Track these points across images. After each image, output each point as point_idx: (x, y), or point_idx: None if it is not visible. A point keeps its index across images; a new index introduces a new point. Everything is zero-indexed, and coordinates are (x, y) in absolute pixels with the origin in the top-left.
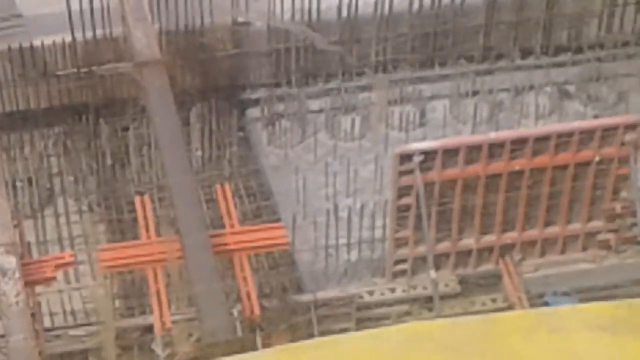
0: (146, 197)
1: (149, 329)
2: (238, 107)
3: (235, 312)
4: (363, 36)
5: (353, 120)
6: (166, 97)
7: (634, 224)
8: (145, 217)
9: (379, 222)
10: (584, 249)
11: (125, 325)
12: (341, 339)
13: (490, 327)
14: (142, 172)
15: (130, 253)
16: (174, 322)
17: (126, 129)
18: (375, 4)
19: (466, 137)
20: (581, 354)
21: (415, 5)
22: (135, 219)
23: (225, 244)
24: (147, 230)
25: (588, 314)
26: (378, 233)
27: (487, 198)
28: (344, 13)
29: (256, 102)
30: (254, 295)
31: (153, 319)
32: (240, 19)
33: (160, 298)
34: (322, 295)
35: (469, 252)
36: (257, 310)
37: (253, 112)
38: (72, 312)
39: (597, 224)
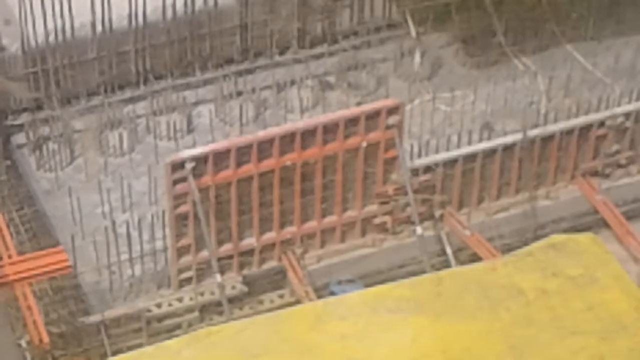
0: None
1: None
2: (2, 134)
3: (23, 342)
4: (121, 49)
5: (120, 135)
6: None
7: (407, 204)
8: None
9: (159, 234)
10: (363, 234)
11: None
12: (133, 356)
13: (279, 324)
14: None
15: None
16: None
17: None
18: (129, 16)
19: (235, 139)
20: (370, 337)
21: (169, 13)
22: None
23: (5, 276)
24: None
25: (373, 298)
26: (159, 244)
27: (263, 196)
28: (99, 29)
29: (20, 127)
30: (40, 323)
31: None
32: None
33: None
34: (110, 314)
35: (251, 252)
36: (45, 338)
37: (18, 139)
38: None
39: (372, 208)
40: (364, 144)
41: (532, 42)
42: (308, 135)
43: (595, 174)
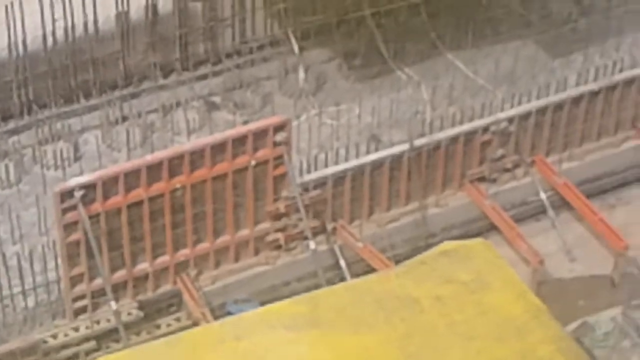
0: None
1: None
2: None
3: None
4: (2, 80)
5: (7, 166)
6: None
7: (299, 220)
8: None
9: (51, 264)
10: (257, 252)
11: None
12: None
13: (177, 347)
14: None
15: None
16: None
17: None
18: (9, 46)
19: (123, 164)
20: (269, 354)
21: (50, 41)
22: None
23: None
24: None
25: (270, 315)
26: (52, 275)
27: (155, 220)
28: None
29: None
30: None
31: None
32: None
33: None
34: (5, 347)
35: (146, 277)
36: None
37: None
38: None
39: (264, 226)
40: (253, 163)
41: (413, 52)
42: (196, 156)
43: (482, 179)
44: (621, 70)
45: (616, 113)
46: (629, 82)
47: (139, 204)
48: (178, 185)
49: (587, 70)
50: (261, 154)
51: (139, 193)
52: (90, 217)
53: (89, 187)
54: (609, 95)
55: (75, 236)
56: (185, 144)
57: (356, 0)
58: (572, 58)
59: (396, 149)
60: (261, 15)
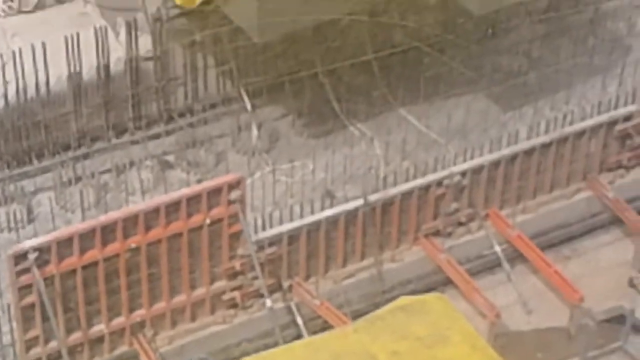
0: None
1: None
2: None
3: None
4: None
5: None
6: None
7: (255, 278)
8: None
9: (5, 327)
10: (213, 311)
11: None
12: None
13: None
14: None
15: None
16: None
17: None
18: None
19: (77, 225)
20: None
21: (1, 103)
22: None
23: None
24: None
25: None
26: (6, 338)
27: (111, 280)
28: None
29: None
30: None
31: None
32: None
33: None
34: None
35: (102, 338)
36: None
37: None
38: None
39: (220, 284)
40: (208, 221)
41: (365, 108)
42: (151, 216)
43: (437, 233)
44: (571, 123)
45: (568, 165)
46: (580, 134)
47: (94, 264)
48: (133, 245)
49: (538, 123)
50: (216, 212)
51: (94, 254)
52: (44, 279)
53: (43, 249)
54: (560, 148)
55: (30, 299)
56: (140, 204)
57: (308, 57)
58: (523, 111)
59: (351, 205)
60: (213, 73)
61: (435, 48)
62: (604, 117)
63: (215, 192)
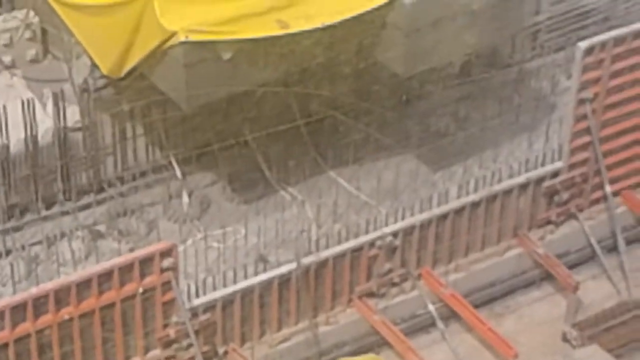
0: None
1: None
2: None
3: None
4: None
5: None
6: None
7: (190, 345)
8: None
9: None
10: None
11: None
12: None
13: None
14: None
15: None
16: None
17: None
18: None
19: (8, 298)
20: None
21: None
22: None
23: None
24: None
25: None
26: None
27: (44, 353)
28: None
29: None
30: None
31: None
32: None
33: None
34: None
35: None
36: None
37: None
38: None
39: (155, 353)
40: (141, 290)
41: (296, 171)
42: (83, 286)
43: (371, 294)
44: (500, 181)
45: (498, 222)
46: (508, 192)
47: (26, 337)
48: (66, 317)
49: (467, 181)
50: (149, 280)
51: (26, 327)
52: None
53: None
54: (490, 206)
55: None
56: (72, 275)
57: (236, 122)
58: (452, 170)
59: (284, 269)
60: (142, 142)
61: (350, 116)
62: (531, 175)
63: (148, 260)
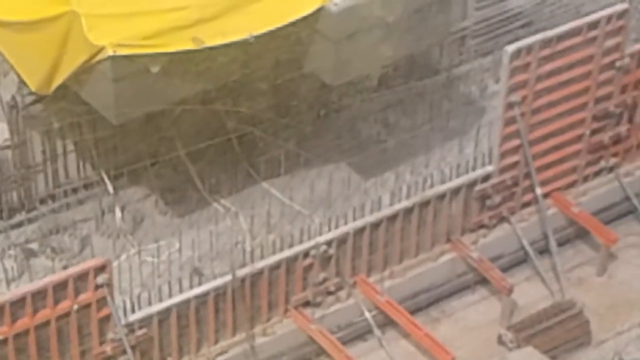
0: None
1: None
2: None
3: None
4: None
5: None
6: None
7: None
8: None
9: None
10: None
11: None
12: None
13: None
14: None
15: None
16: None
17: None
18: None
19: None
20: None
21: None
22: None
23: None
24: None
25: None
26: None
27: None
28: None
29: None
30: None
31: None
32: None
33: None
34: None
35: None
36: None
37: None
38: None
39: None
40: (76, 307)
41: (228, 183)
42: (17, 306)
43: (307, 304)
44: (432, 186)
45: (431, 228)
46: (441, 197)
47: None
48: (0, 337)
49: (400, 188)
50: (83, 297)
51: None
52: None
53: None
54: (423, 211)
55: None
56: (5, 294)
57: (167, 137)
58: (384, 177)
59: (219, 281)
60: (73, 158)
61: (269, 132)
62: (463, 179)
63: (82, 277)
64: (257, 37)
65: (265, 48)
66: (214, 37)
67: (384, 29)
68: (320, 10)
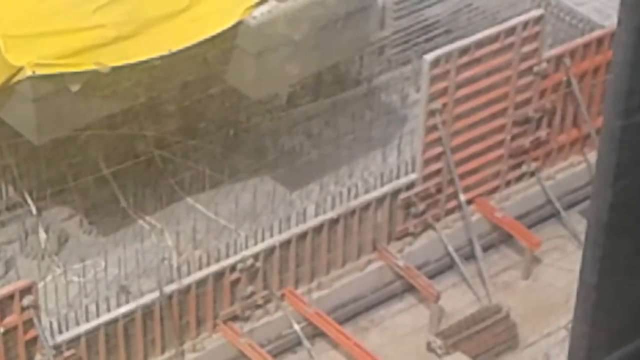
0: None
1: None
2: None
3: None
4: None
5: None
6: None
7: None
8: None
9: None
10: None
11: None
12: None
13: None
14: None
15: None
16: None
17: None
18: None
19: None
20: None
21: None
22: None
23: None
24: None
25: None
26: None
27: None
28: None
29: None
30: None
31: None
32: None
33: None
34: None
35: None
36: None
37: None
38: None
39: None
40: (2, 330)
41: (153, 200)
42: None
43: (236, 318)
44: (356, 196)
45: (357, 237)
46: (366, 207)
47: None
48: None
49: (325, 199)
50: (9, 320)
51: None
52: None
53: None
54: (348, 221)
55: None
56: None
57: (91, 156)
58: (309, 189)
59: (146, 298)
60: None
61: (179, 154)
62: (387, 188)
63: (7, 299)
64: (163, 59)
65: (171, 71)
66: (133, 55)
67: (293, 47)
68: (239, 24)
